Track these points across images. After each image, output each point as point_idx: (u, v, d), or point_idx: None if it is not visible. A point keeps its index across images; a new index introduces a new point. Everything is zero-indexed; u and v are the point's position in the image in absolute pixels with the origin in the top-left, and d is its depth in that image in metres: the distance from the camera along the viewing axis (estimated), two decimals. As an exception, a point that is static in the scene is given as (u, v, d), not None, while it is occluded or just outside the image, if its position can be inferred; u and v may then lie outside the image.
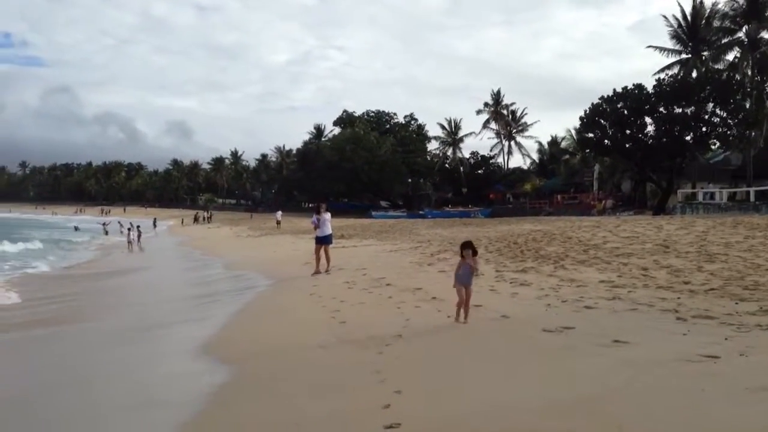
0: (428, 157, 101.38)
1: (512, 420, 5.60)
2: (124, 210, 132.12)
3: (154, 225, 70.91)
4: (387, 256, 20.68)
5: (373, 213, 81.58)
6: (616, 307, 10.69)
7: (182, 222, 79.30)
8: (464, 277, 9.85)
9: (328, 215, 18.61)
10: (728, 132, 54.07)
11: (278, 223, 55.81)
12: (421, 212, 78.18)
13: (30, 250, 39.07)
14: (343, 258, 21.06)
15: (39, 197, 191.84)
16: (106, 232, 56.40)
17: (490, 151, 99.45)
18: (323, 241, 18.14)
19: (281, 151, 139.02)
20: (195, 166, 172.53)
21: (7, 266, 28.04)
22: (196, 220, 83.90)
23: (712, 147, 59.24)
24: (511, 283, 13.58)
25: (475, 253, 10.07)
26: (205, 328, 11.41)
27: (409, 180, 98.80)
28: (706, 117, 54.82)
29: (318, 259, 18.02)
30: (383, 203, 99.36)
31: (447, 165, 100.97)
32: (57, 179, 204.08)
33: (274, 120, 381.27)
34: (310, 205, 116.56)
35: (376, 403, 6.29)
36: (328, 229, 18.24)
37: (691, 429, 5.14)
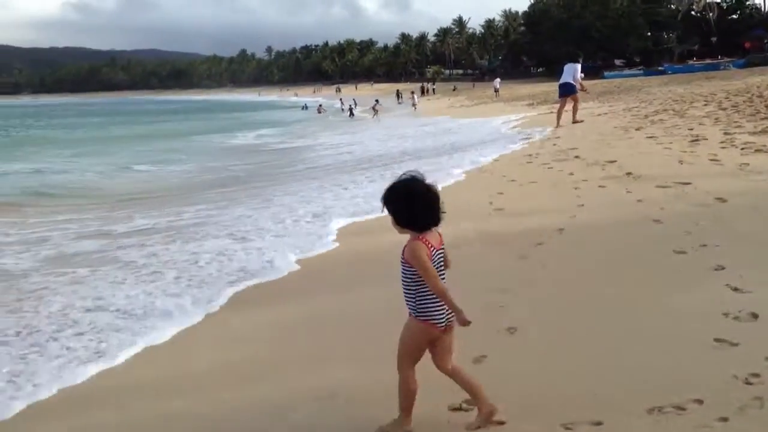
0: (672, 5, 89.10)
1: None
2: (356, 87, 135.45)
3: (398, 98, 67.31)
4: (591, 120, 17.36)
5: (605, 73, 74.16)
6: None
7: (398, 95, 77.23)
8: None
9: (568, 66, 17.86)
10: None
11: (496, 91, 52.62)
12: (660, 68, 69.43)
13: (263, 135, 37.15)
14: (541, 125, 18.23)
15: (283, 80, 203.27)
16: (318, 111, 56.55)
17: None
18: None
19: (508, 15, 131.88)
20: (422, 38, 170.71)
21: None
22: (423, 92, 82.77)
23: None
24: (742, 149, 10.03)
25: None
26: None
27: (648, 34, 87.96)
28: None
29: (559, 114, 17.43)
30: (618, 62, 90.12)
31: (693, 12, 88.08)
32: (298, 62, 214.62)
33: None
34: (539, 70, 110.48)
35: (469, 350, 4.07)
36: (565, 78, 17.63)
37: None
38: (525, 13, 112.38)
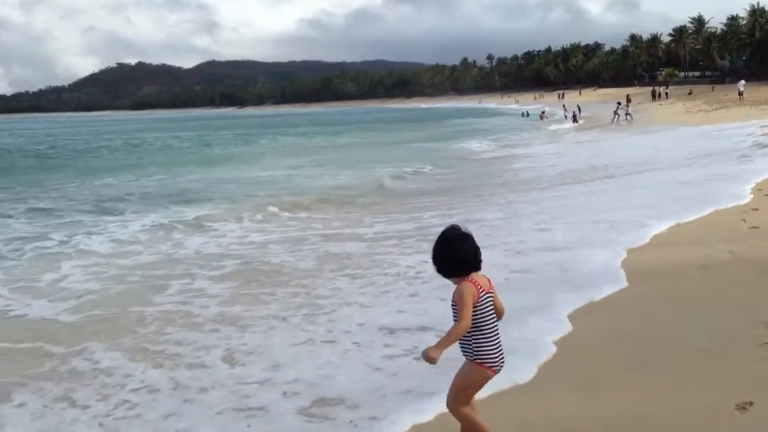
0: None
1: None
2: (580, 93, 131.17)
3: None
4: None
5: None
6: None
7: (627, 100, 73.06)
8: None
9: None
10: None
11: (740, 94, 48.01)
12: None
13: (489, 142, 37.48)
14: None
15: (504, 86, 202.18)
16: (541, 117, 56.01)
17: None
18: None
19: (755, 11, 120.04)
20: (654, 39, 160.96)
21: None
22: (654, 96, 78.04)
23: None
24: None
25: None
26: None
27: None
28: None
29: None
30: None
31: None
32: (520, 68, 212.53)
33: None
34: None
35: (731, 394, 3.80)
36: None
37: None
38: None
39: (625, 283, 6.47)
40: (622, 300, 6.07)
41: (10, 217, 14.85)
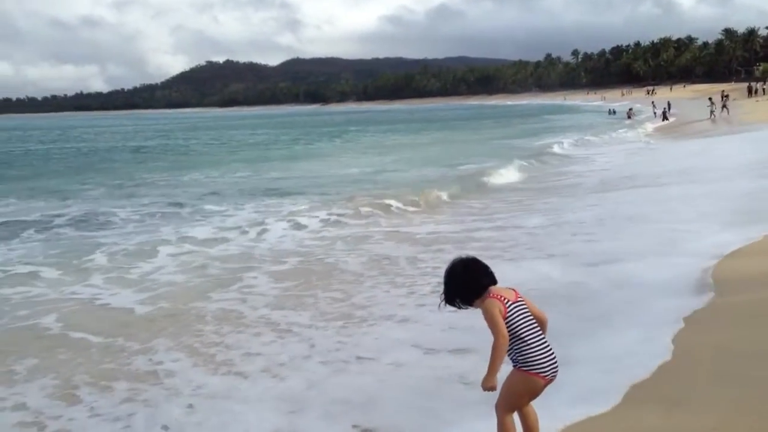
0: None
1: None
2: (671, 89, 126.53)
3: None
4: None
5: None
6: None
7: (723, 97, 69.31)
8: None
9: None
10: None
11: None
12: None
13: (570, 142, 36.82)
14: None
15: (591, 83, 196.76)
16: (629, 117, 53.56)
17: None
18: None
19: None
20: (751, 33, 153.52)
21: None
22: (750, 93, 74.42)
23: None
24: None
25: None
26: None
27: None
28: None
29: None
30: None
31: None
32: (607, 63, 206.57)
33: None
34: None
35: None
36: None
37: None
38: None
39: (711, 294, 6.19)
40: (711, 312, 5.81)
41: (116, 208, 15.81)
